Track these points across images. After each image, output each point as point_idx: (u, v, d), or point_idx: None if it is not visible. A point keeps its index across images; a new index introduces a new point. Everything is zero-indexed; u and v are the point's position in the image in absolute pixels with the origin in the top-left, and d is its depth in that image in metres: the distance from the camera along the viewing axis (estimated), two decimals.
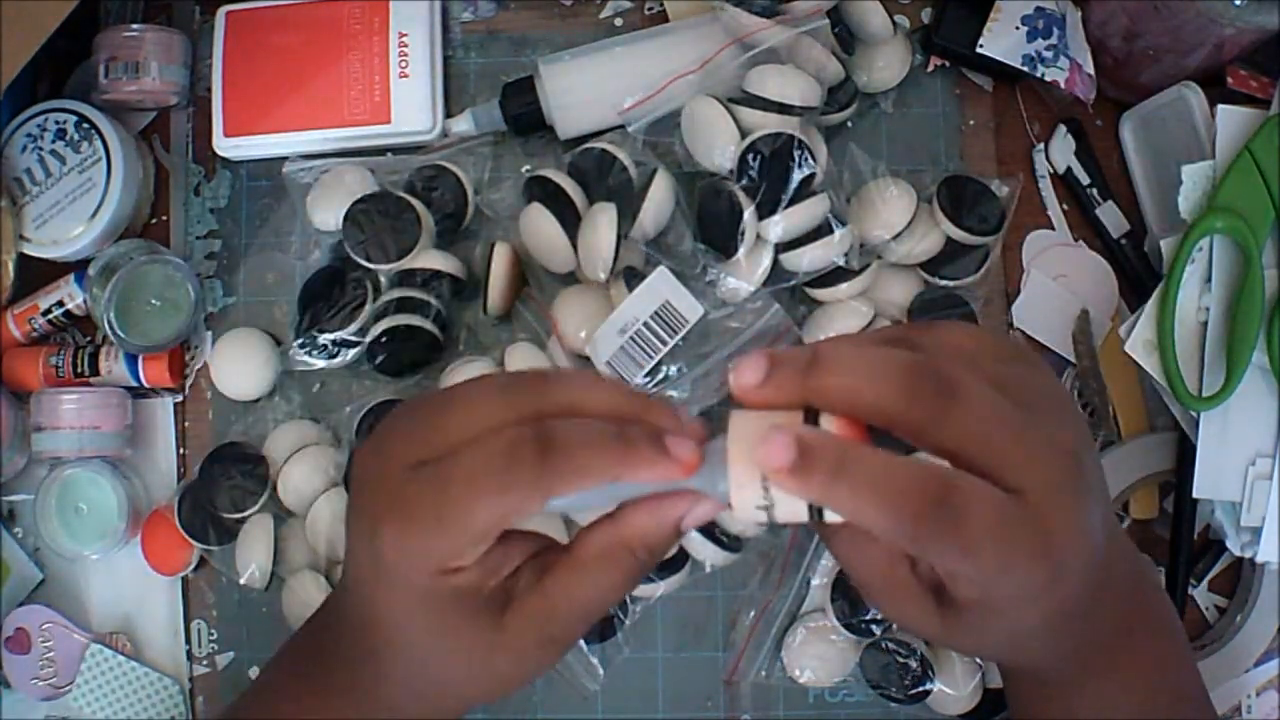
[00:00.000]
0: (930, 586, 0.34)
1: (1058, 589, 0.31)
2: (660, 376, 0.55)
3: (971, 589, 0.32)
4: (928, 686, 0.55)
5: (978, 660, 0.55)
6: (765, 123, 0.53)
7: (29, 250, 0.58)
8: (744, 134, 0.54)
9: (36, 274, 0.60)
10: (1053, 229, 0.61)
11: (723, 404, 0.58)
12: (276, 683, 0.42)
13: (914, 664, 0.55)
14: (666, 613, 0.59)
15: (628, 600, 0.56)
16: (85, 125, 0.58)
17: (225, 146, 0.61)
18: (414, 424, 0.34)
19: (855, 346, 0.31)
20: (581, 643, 0.56)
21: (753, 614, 0.58)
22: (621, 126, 0.57)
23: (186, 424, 0.61)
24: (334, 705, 0.38)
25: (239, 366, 0.59)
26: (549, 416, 0.33)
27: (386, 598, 0.34)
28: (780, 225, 0.54)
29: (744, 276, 0.55)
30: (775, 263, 0.56)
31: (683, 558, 0.56)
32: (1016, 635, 0.34)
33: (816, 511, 0.31)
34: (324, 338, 0.57)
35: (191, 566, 0.59)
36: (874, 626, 0.55)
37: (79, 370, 0.59)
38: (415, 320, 0.56)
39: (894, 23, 0.59)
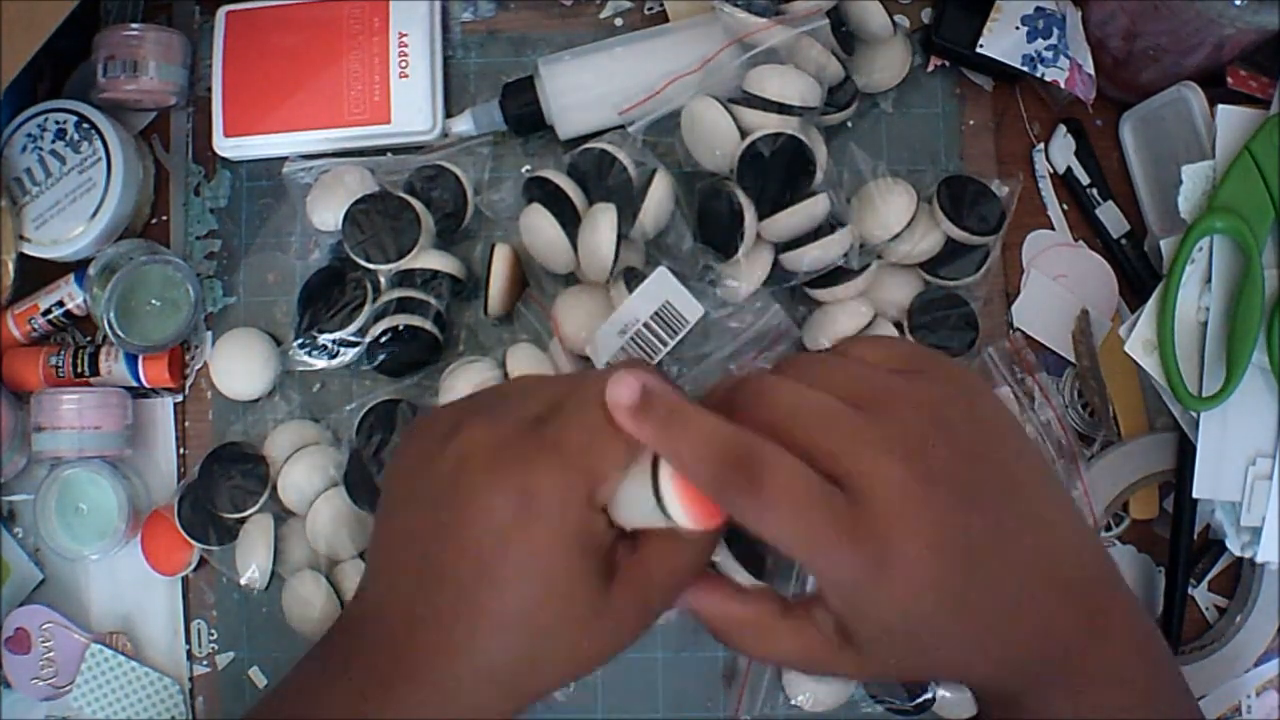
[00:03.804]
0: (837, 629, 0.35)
1: (897, 575, 0.32)
2: None
3: (822, 585, 0.34)
4: (929, 694, 0.55)
5: None
6: (765, 123, 0.53)
7: (29, 250, 0.58)
8: (744, 134, 0.54)
9: (36, 274, 0.60)
10: (1053, 229, 0.61)
11: None
12: (306, 686, 0.39)
13: None
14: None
15: None
16: (85, 125, 0.58)
17: (225, 146, 0.61)
18: (508, 399, 0.38)
19: (695, 417, 0.34)
20: None
21: None
22: (621, 126, 0.57)
23: (186, 424, 0.61)
24: (378, 702, 0.36)
25: (239, 366, 0.59)
26: None
27: (528, 547, 0.34)
28: (780, 225, 0.54)
29: (744, 276, 0.55)
30: (775, 263, 0.56)
31: None
32: (910, 639, 0.34)
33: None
34: (324, 338, 0.57)
35: (191, 566, 0.59)
36: None
37: (79, 370, 0.59)
38: (415, 320, 0.56)
39: (894, 23, 0.59)
